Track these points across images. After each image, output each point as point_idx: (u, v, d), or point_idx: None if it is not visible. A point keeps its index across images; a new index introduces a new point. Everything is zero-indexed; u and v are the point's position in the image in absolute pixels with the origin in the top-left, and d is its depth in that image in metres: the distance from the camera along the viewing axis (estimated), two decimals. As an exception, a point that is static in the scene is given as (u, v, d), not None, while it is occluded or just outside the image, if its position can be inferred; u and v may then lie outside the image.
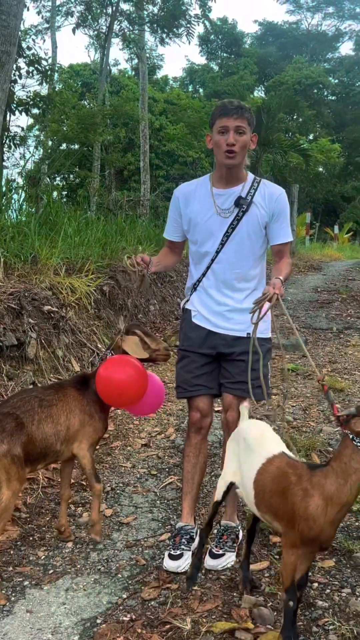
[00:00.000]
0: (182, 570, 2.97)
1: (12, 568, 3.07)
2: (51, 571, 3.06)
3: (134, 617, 2.71)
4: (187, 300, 3.33)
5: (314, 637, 2.56)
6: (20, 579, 2.98)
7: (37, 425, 2.94)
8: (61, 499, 3.32)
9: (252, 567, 3.00)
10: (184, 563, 3.01)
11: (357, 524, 3.47)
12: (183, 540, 3.12)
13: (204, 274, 3.21)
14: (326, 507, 2.25)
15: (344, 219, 37.43)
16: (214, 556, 3.06)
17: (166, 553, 3.09)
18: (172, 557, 3.04)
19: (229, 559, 3.07)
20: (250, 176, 3.17)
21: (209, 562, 3.04)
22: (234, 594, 2.86)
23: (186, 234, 3.27)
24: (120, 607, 2.78)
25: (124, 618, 2.70)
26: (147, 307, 8.38)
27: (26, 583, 2.95)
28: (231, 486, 2.72)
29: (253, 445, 2.59)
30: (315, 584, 2.92)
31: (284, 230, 3.15)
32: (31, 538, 3.35)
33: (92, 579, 3.00)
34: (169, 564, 3.02)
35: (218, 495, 2.76)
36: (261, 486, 2.46)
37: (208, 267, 3.18)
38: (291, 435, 4.54)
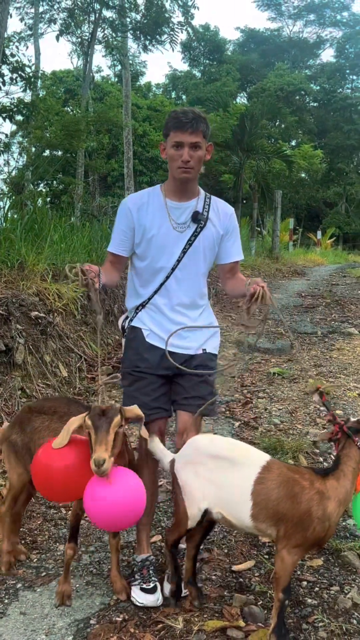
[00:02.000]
0: (160, 603, 2.83)
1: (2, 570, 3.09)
2: (44, 574, 3.09)
3: (126, 617, 2.75)
4: (132, 318, 3.11)
5: (304, 634, 2.62)
6: (14, 582, 3.01)
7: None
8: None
9: (240, 566, 3.07)
10: (160, 595, 2.86)
11: (343, 523, 3.53)
12: (150, 572, 2.95)
13: (156, 292, 3.03)
14: (339, 508, 2.39)
15: (327, 225, 37.75)
16: (147, 591, 2.86)
17: (136, 588, 2.89)
18: (147, 591, 2.85)
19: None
20: (202, 191, 3.08)
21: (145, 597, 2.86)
22: (225, 593, 2.90)
23: (136, 248, 3.03)
24: (113, 608, 2.82)
25: (117, 618, 2.74)
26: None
27: (19, 585, 2.98)
28: (205, 513, 2.60)
29: (237, 459, 2.56)
30: (305, 582, 2.98)
31: (238, 248, 3.12)
32: (23, 542, 3.37)
33: (85, 581, 3.04)
34: (146, 599, 2.83)
35: (192, 523, 2.63)
36: (263, 495, 2.45)
37: (162, 284, 3.01)
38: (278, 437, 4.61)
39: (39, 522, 3.59)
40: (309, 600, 2.84)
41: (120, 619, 2.73)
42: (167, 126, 2.90)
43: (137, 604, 2.82)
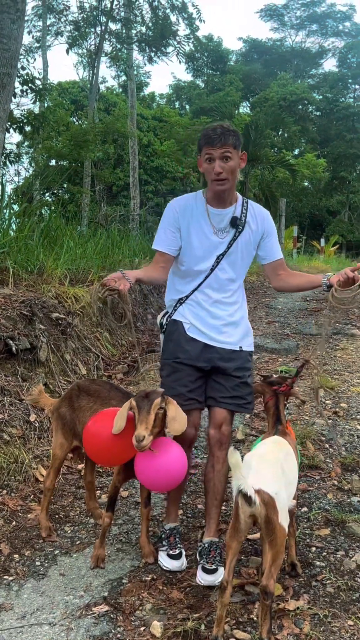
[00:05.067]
0: (184, 568, 3.13)
1: (42, 540, 3.43)
2: (78, 542, 3.43)
3: (154, 577, 3.09)
4: (172, 313, 3.29)
5: (313, 589, 2.95)
6: (52, 549, 3.35)
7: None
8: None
9: (255, 535, 3.40)
10: (184, 561, 3.15)
11: (348, 500, 3.86)
12: (177, 539, 3.21)
13: (196, 289, 3.23)
14: None
15: (330, 232, 38.04)
16: (209, 571, 3.02)
17: (163, 553, 3.17)
18: (173, 557, 3.13)
19: (222, 573, 2.90)
20: (240, 197, 3.25)
21: (205, 577, 3.01)
22: (242, 557, 3.24)
23: (181, 247, 3.23)
24: (142, 570, 3.16)
25: (147, 578, 3.08)
26: (144, 315, 8.76)
27: (57, 552, 3.32)
28: None
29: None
30: (313, 548, 3.32)
31: (277, 247, 3.31)
32: (57, 516, 3.71)
33: (115, 548, 3.37)
34: (172, 564, 3.12)
35: None
36: None
37: (201, 284, 3.21)
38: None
39: (70, 500, 3.93)
40: (318, 563, 3.18)
41: (149, 579, 3.07)
42: (200, 143, 3.11)
43: (164, 568, 3.13)
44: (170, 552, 3.16)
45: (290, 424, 3.23)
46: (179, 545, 3.19)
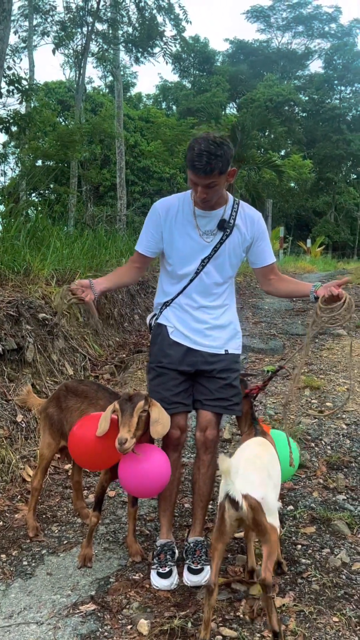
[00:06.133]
0: (174, 587, 3.02)
1: (29, 540, 3.43)
2: (65, 542, 3.44)
3: (142, 575, 3.10)
4: (158, 316, 3.27)
5: (299, 587, 2.98)
6: (39, 549, 3.36)
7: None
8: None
9: (241, 534, 3.41)
10: (174, 579, 3.04)
11: (334, 498, 3.89)
12: (168, 556, 3.10)
13: (180, 292, 3.17)
14: None
15: (316, 233, 38.20)
16: (194, 571, 3.05)
17: (154, 572, 3.07)
18: (162, 575, 3.03)
19: (208, 572, 3.02)
20: (230, 198, 3.14)
21: (191, 578, 3.03)
22: (229, 555, 3.26)
23: (164, 250, 3.18)
24: (130, 569, 3.17)
25: (134, 577, 3.09)
26: (132, 316, 8.77)
27: (44, 552, 3.33)
28: None
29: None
30: (299, 546, 3.35)
31: (269, 251, 3.22)
32: (44, 516, 3.72)
33: (103, 547, 3.39)
34: (160, 583, 3.01)
35: None
36: None
37: (186, 287, 3.15)
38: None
39: (57, 500, 3.95)
40: (303, 560, 3.21)
41: (137, 577, 3.08)
42: (187, 160, 2.93)
43: (153, 586, 3.02)
44: (160, 570, 3.06)
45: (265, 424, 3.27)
46: (169, 563, 3.09)
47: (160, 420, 2.85)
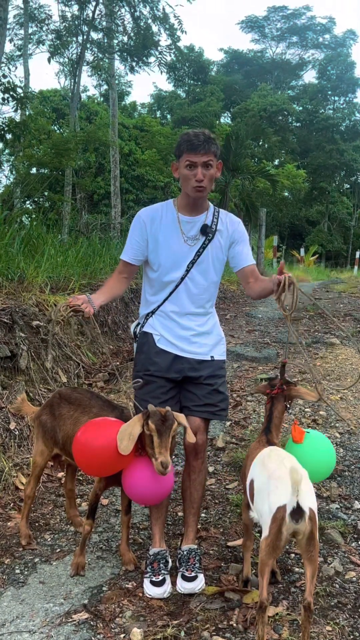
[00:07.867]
0: (167, 596, 3.00)
1: (22, 548, 3.42)
2: (58, 550, 3.43)
3: (135, 584, 3.09)
4: (143, 324, 3.29)
5: (292, 596, 2.98)
6: (31, 557, 3.34)
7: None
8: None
9: (235, 542, 3.42)
10: (167, 588, 3.02)
11: (327, 507, 3.89)
12: (161, 565, 3.09)
13: (165, 299, 3.20)
14: None
15: (309, 242, 38.36)
16: (188, 579, 3.04)
17: (147, 580, 3.04)
18: (155, 584, 3.01)
19: (202, 580, 3.06)
20: (211, 205, 3.23)
21: (185, 585, 3.03)
22: (222, 564, 3.26)
23: (148, 258, 3.22)
24: (123, 577, 3.16)
25: (127, 585, 3.08)
26: (125, 324, 8.77)
27: (37, 560, 3.32)
28: None
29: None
30: (292, 555, 3.34)
31: (248, 254, 3.24)
32: (37, 524, 3.71)
33: (96, 556, 3.38)
34: (154, 591, 2.99)
35: None
36: None
37: (171, 293, 3.18)
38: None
39: (50, 508, 3.93)
40: (297, 569, 3.20)
41: (130, 586, 3.07)
42: (180, 148, 3.06)
43: (147, 595, 3.00)
44: (153, 578, 3.04)
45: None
46: (162, 572, 3.07)
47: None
